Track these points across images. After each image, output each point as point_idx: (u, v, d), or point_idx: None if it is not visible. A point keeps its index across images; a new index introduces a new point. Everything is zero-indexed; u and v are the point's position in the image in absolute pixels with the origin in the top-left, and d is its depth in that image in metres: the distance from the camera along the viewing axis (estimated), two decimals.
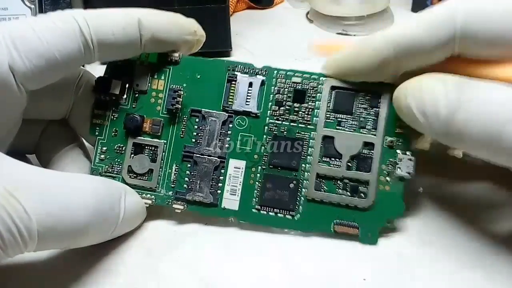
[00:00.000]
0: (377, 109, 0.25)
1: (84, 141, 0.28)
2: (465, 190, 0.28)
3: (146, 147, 0.26)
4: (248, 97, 0.26)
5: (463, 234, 0.25)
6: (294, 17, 0.49)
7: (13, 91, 0.22)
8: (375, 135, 0.25)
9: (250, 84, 0.26)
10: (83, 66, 0.27)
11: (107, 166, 0.26)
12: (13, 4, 0.37)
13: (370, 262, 0.24)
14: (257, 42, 0.44)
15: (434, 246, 0.25)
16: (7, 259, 0.19)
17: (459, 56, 0.23)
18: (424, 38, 0.22)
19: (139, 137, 0.26)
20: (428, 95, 0.22)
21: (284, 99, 0.26)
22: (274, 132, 0.26)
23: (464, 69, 0.23)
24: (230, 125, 0.26)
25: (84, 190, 0.21)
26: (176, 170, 0.26)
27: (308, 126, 0.26)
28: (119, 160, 0.26)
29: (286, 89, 0.26)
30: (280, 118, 0.26)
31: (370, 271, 0.24)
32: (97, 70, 0.28)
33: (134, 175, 0.26)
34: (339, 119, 0.26)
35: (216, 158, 0.26)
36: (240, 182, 0.26)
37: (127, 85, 0.27)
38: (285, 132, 0.26)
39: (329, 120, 0.26)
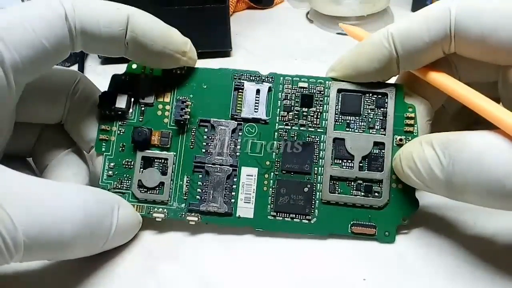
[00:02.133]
0: (384, 109, 0.26)
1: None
2: None
3: (156, 160, 0.26)
4: (256, 104, 0.26)
5: (463, 234, 0.25)
6: (294, 17, 0.49)
7: (2, 85, 0.21)
8: (384, 134, 0.25)
9: (258, 91, 0.26)
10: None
11: (115, 182, 0.26)
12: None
13: (370, 262, 0.24)
14: (257, 42, 0.44)
15: (434, 246, 0.25)
16: None
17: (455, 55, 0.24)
18: (420, 32, 0.23)
19: (147, 151, 0.26)
20: (422, 165, 0.23)
21: (292, 104, 0.26)
22: (284, 138, 0.26)
23: None
24: (240, 133, 0.26)
25: (73, 202, 0.21)
26: (188, 181, 0.26)
27: (318, 130, 0.26)
28: (128, 175, 0.26)
29: (293, 94, 0.26)
30: (289, 123, 0.26)
31: (370, 271, 0.24)
32: (98, 70, 0.27)
33: (144, 189, 0.26)
34: (347, 121, 0.26)
35: (228, 167, 0.26)
36: (254, 190, 0.26)
37: (132, 99, 0.26)
38: (295, 137, 0.26)
39: (338, 123, 0.26)
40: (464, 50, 0.23)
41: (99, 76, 0.27)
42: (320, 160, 0.26)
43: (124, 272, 0.24)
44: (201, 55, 0.27)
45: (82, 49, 0.24)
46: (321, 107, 0.26)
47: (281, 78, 0.26)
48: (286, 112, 0.26)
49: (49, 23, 0.22)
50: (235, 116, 0.26)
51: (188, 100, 0.26)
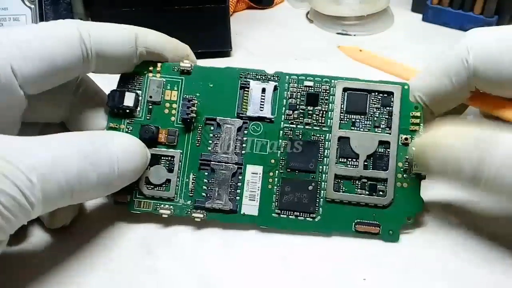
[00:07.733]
0: (390, 108, 0.26)
1: None
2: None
3: (162, 158, 0.26)
4: (262, 103, 0.26)
5: (464, 233, 0.25)
6: (294, 17, 0.48)
7: (15, 94, 0.22)
8: (389, 133, 0.25)
9: (263, 90, 0.26)
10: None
11: None
12: (13, 4, 0.37)
13: (370, 262, 0.24)
14: (257, 42, 0.44)
15: (434, 246, 0.25)
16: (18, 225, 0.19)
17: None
18: (445, 87, 0.25)
19: (154, 148, 0.26)
20: (450, 158, 0.21)
21: (298, 103, 0.26)
22: (290, 136, 0.26)
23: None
24: (245, 131, 0.26)
25: (70, 138, 0.22)
26: (194, 179, 0.26)
27: (323, 128, 0.26)
28: None
29: (299, 93, 0.26)
30: (294, 122, 0.26)
31: (370, 271, 0.24)
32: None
33: (151, 186, 0.26)
34: (353, 120, 0.26)
35: (233, 165, 0.26)
36: (259, 187, 0.26)
37: (140, 97, 0.27)
38: (300, 135, 0.26)
39: (343, 122, 0.26)
40: (483, 89, 0.25)
41: (105, 78, 0.27)
42: (325, 158, 0.26)
43: (124, 270, 0.24)
44: (201, 55, 0.27)
45: (95, 70, 0.25)
46: (326, 106, 0.26)
47: (287, 77, 0.27)
48: (291, 111, 0.26)
49: (65, 43, 0.23)
50: (241, 115, 0.26)
51: (195, 98, 0.26)
